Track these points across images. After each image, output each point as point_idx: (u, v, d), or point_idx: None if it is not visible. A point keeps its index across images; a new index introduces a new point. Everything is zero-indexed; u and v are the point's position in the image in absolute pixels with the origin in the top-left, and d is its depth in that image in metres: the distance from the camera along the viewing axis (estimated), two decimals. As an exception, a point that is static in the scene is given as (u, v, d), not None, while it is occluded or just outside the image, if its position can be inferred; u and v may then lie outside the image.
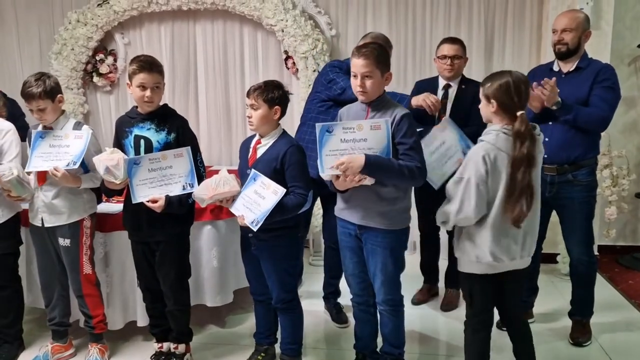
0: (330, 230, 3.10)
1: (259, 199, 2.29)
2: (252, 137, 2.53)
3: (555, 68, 2.92)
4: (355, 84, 2.30)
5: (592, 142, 2.84)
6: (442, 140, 2.62)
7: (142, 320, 2.92)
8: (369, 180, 2.22)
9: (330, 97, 2.91)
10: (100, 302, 2.77)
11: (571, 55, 2.84)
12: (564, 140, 2.76)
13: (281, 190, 2.27)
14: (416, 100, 2.89)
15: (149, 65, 2.43)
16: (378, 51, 2.29)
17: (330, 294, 3.30)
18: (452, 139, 2.48)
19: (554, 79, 2.64)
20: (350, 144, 2.19)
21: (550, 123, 2.77)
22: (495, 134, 2.13)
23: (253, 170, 2.37)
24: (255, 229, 2.27)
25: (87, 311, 2.73)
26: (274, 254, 2.47)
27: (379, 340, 2.61)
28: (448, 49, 3.15)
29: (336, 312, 3.26)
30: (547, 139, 2.79)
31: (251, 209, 2.30)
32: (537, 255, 3.06)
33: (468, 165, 2.14)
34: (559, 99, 2.66)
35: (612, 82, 2.77)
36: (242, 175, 2.46)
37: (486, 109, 2.20)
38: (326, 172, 2.23)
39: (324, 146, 2.20)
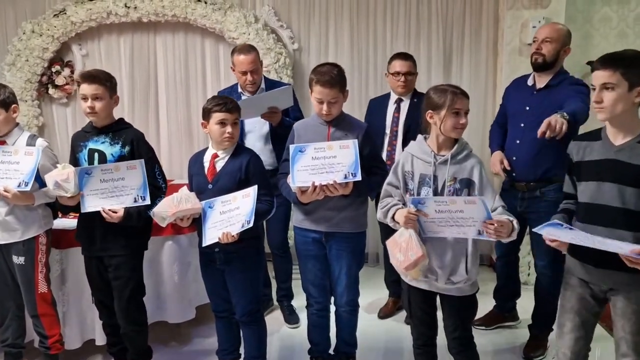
0: (273, 237, 3.35)
1: (233, 212, 2.30)
2: (203, 152, 2.55)
3: (530, 82, 2.87)
4: (321, 108, 2.43)
5: (559, 159, 2.50)
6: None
7: (101, 339, 2.83)
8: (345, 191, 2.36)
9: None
10: (57, 321, 2.67)
11: (548, 68, 2.77)
12: (531, 158, 2.79)
13: (252, 190, 2.29)
14: None
15: (89, 76, 2.47)
16: (339, 76, 2.43)
17: (283, 297, 3.48)
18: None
19: None
20: (321, 161, 2.35)
21: (517, 142, 2.80)
22: None
23: (201, 202, 2.36)
24: (252, 225, 2.24)
25: (42, 331, 2.63)
26: (241, 265, 2.46)
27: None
28: (400, 66, 3.21)
29: (289, 314, 3.42)
30: (514, 158, 2.85)
31: (231, 222, 2.29)
32: (516, 260, 3.19)
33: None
34: (564, 120, 2.48)
35: (585, 87, 2.74)
36: (201, 192, 2.43)
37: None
38: (297, 185, 2.34)
39: (296, 163, 2.35)
